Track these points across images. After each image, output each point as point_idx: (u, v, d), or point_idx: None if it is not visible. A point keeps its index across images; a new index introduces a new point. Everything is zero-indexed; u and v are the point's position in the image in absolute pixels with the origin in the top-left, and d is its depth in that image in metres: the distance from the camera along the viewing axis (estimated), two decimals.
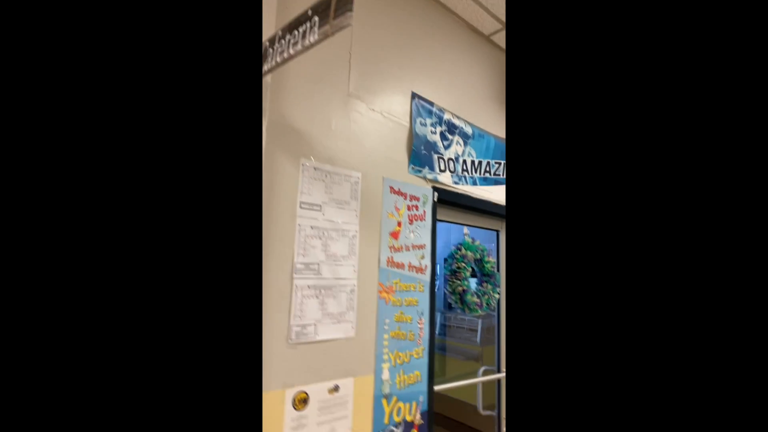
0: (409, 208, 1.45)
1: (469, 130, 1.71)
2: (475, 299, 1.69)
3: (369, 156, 1.34)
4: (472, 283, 1.79)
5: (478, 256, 1.76)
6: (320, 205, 1.18)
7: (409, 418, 1.34)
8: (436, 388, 1.48)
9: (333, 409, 1.15)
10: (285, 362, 1.06)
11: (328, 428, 1.14)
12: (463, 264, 1.68)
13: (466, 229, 1.80)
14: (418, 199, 1.48)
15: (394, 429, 1.30)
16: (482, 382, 1.89)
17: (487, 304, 1.73)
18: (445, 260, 1.72)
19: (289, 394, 1.06)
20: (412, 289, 1.42)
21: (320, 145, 1.21)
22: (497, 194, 1.83)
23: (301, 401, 1.08)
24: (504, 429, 1.83)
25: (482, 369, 1.93)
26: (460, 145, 1.68)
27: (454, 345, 3.75)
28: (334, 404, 1.16)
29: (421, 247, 1.47)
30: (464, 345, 3.09)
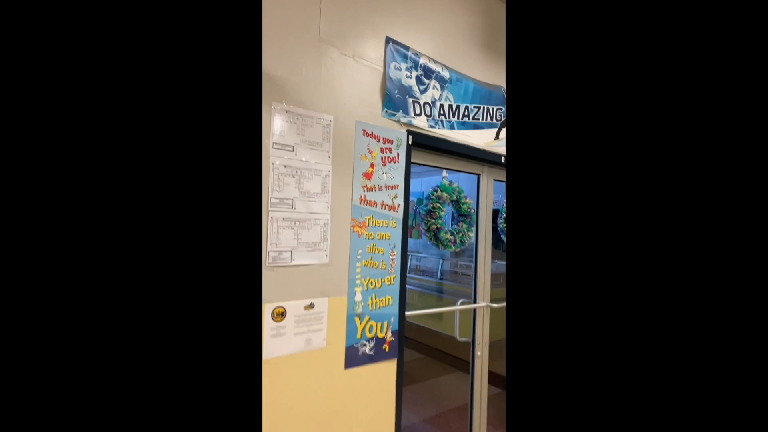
0: (382, 151, 1.55)
1: (446, 74, 1.75)
2: (449, 236, 1.83)
3: (341, 100, 1.43)
4: (449, 222, 1.93)
5: (455, 198, 1.88)
6: (293, 146, 1.30)
7: (380, 335, 1.55)
8: (417, 312, 1.67)
9: (309, 322, 1.35)
10: (263, 281, 1.24)
11: (305, 338, 1.34)
12: (438, 204, 1.80)
13: (444, 173, 1.90)
14: (391, 142, 1.58)
15: (366, 343, 1.50)
16: (459, 310, 2.09)
17: (461, 241, 1.87)
18: (422, 201, 1.84)
19: (268, 308, 1.25)
20: (385, 225, 1.56)
21: (292, 90, 1.30)
22: (476, 138, 1.91)
23: (279, 314, 1.27)
24: (477, 352, 2.05)
25: (460, 301, 2.12)
26: (437, 89, 1.73)
27: (455, 289, 4.00)
28: (310, 319, 1.35)
29: (394, 187, 1.59)
30: (466, 289, 3.29)
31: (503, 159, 2.04)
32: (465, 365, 3.91)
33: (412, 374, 3.55)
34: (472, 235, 1.94)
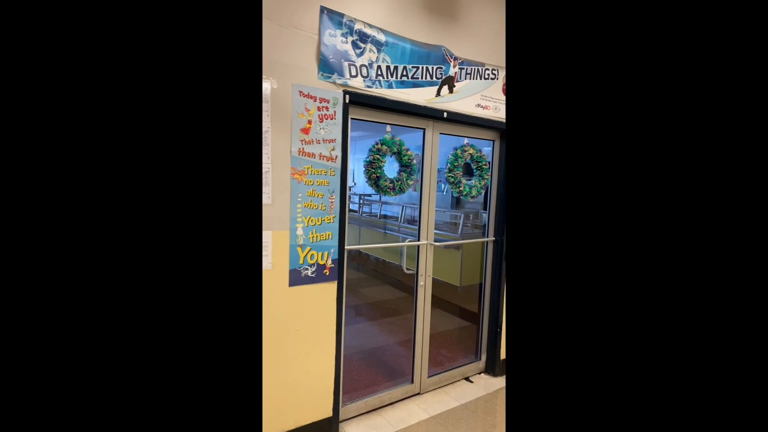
0: (319, 109, 1.82)
1: (382, 37, 1.96)
2: (388, 184, 2.12)
3: (277, 66, 1.68)
4: (392, 172, 2.21)
5: (395, 150, 2.15)
6: None
7: (321, 262, 1.91)
8: (366, 246, 2.02)
9: None
10: None
11: None
12: (378, 156, 2.08)
13: (388, 127, 2.16)
14: (328, 101, 1.84)
15: (308, 267, 1.87)
16: (407, 246, 2.43)
17: (400, 188, 2.17)
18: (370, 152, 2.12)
19: None
20: (323, 173, 1.87)
21: None
22: (416, 96, 2.13)
23: None
24: (420, 282, 2.41)
25: (408, 239, 2.45)
26: (374, 52, 1.95)
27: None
28: None
29: (332, 141, 1.87)
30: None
31: (445, 114, 2.27)
32: (438, 301, 4.35)
33: (396, 309, 4.03)
34: (412, 183, 2.23)
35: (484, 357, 2.84)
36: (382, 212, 6.64)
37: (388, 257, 5.45)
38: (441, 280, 4.31)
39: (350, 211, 7.19)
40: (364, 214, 6.65)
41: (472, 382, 2.71)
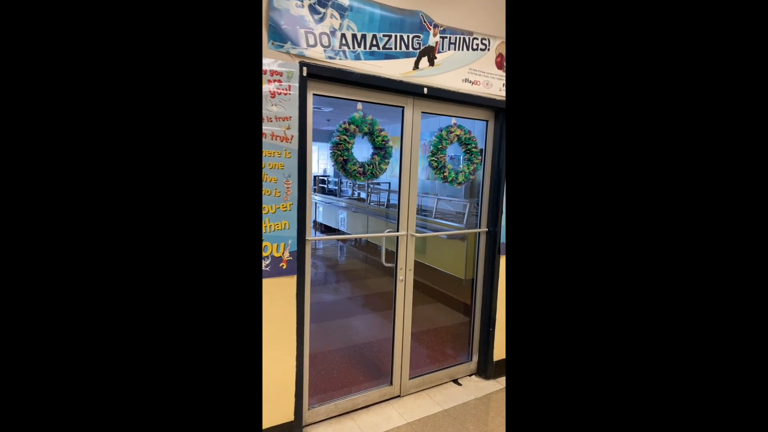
0: (269, 83, 1.62)
1: (345, 1, 1.73)
2: (357, 167, 1.91)
3: None
4: (365, 155, 2.00)
5: (366, 130, 1.92)
6: None
7: (276, 255, 1.73)
8: (325, 237, 1.83)
9: None
10: None
11: None
12: (345, 137, 1.87)
13: (359, 105, 1.93)
14: (281, 74, 1.64)
15: (263, 260, 1.70)
16: (386, 237, 2.23)
17: (371, 173, 1.95)
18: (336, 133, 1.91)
19: None
20: (277, 155, 1.68)
21: None
22: (389, 69, 1.90)
23: None
24: (400, 277, 2.20)
25: (387, 230, 2.24)
26: (336, 18, 1.72)
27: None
28: None
29: (287, 119, 1.67)
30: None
31: (425, 90, 2.02)
32: (439, 295, 4.13)
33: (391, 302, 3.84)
34: (386, 167, 2.01)
35: (475, 358, 2.62)
36: (391, 201, 6.49)
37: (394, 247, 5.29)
38: (445, 272, 4.16)
39: (359, 200, 7.09)
40: (372, 203, 6.47)
41: (460, 385, 2.50)
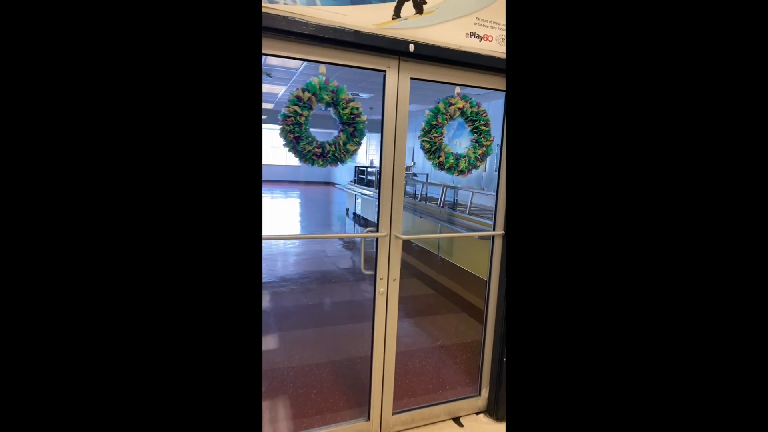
0: None
1: None
2: (314, 149, 1.48)
3: None
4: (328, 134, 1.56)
5: (329, 99, 1.48)
6: None
7: None
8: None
9: None
10: None
11: None
12: (297, 107, 1.44)
13: (322, 68, 1.50)
14: None
15: None
16: (364, 238, 1.79)
17: (334, 156, 1.51)
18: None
19: None
20: None
21: None
22: (357, 17, 1.44)
23: None
24: (380, 288, 1.75)
25: (366, 230, 1.80)
26: None
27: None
28: None
29: None
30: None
31: (411, 47, 1.53)
32: (461, 302, 3.62)
33: (422, 309, 3.37)
34: (354, 149, 1.55)
35: (485, 392, 2.09)
36: (431, 195, 5.99)
37: (426, 245, 4.83)
38: (473, 273, 3.67)
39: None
40: (408, 195, 6.01)
41: (462, 425, 1.99)
